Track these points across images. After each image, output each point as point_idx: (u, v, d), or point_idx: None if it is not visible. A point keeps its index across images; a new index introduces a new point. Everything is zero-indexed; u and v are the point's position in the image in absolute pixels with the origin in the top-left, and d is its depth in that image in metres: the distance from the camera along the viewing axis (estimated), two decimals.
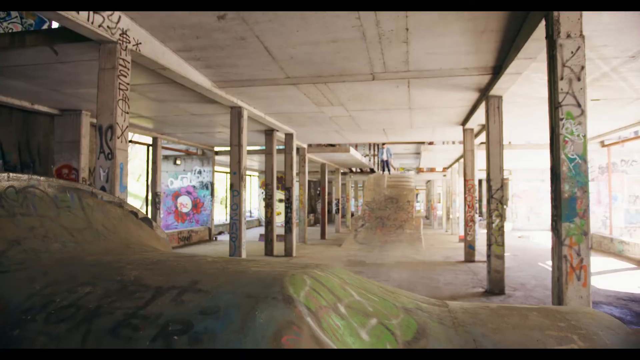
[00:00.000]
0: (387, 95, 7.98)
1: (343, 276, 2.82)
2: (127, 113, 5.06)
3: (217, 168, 18.36)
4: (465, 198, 11.11)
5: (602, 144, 13.73)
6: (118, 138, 4.92)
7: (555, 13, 3.91)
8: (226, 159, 17.24)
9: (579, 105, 3.84)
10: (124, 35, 5.00)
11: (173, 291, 2.02)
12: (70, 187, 3.35)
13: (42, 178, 3.14)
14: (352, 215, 27.05)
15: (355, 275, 3.07)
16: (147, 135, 13.23)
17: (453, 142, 16.91)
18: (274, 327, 1.75)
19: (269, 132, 11.54)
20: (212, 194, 16.80)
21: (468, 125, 10.37)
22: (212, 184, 16.80)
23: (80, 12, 4.34)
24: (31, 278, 2.23)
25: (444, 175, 23.66)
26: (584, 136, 3.83)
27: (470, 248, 10.84)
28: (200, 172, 16.83)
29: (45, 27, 9.27)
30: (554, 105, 3.92)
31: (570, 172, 3.83)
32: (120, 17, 4.90)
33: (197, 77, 6.75)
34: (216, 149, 16.90)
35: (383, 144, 23.48)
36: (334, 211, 24.83)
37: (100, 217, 3.49)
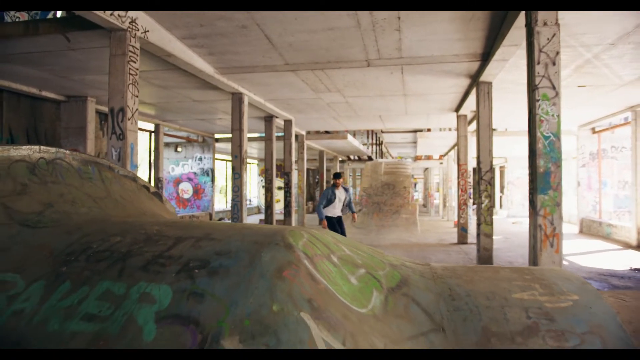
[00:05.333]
0: (382, 82, 8.32)
1: (337, 237, 3.19)
2: (137, 97, 5.41)
3: (217, 155, 18.69)
4: (458, 182, 11.50)
5: (593, 131, 14.08)
6: (129, 120, 5.27)
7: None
8: (226, 146, 17.57)
9: (554, 88, 4.19)
10: (133, 24, 5.32)
11: (191, 239, 2.39)
12: (90, 161, 3.71)
13: (67, 151, 3.49)
14: None
15: (347, 238, 3.44)
16: (149, 122, 13.54)
17: (450, 129, 17.24)
18: (276, 264, 2.12)
19: (269, 119, 11.87)
20: (212, 181, 17.16)
21: (461, 112, 10.72)
22: (212, 170, 17.15)
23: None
24: (68, 232, 2.60)
25: (441, 163, 24.05)
26: (558, 116, 4.19)
27: (462, 230, 11.25)
28: (201, 159, 17.17)
29: (50, 15, 9.55)
30: (531, 87, 4.28)
31: (545, 148, 4.20)
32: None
33: (201, 64, 7.08)
34: (216, 136, 17.22)
35: (380, 139, 23.80)
36: None
37: (118, 189, 3.85)
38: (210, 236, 2.44)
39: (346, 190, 8.12)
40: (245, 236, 2.45)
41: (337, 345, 1.85)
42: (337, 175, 8.11)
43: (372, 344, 2.06)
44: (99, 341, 1.73)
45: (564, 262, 8.57)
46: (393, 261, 3.19)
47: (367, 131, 24.16)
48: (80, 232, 2.57)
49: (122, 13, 5.12)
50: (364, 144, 24.54)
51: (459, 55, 6.72)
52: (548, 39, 4.22)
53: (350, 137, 16.81)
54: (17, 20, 9.16)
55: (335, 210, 8.01)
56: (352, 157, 25.53)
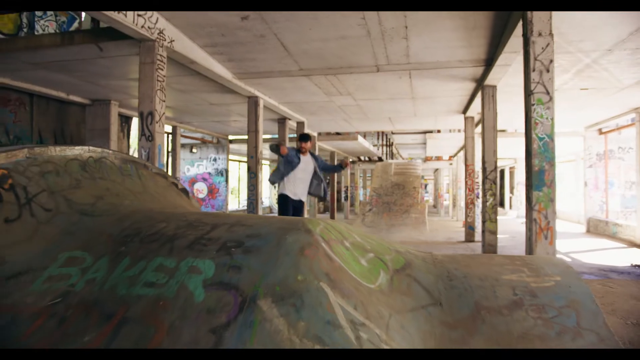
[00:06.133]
0: (391, 86, 8.71)
1: (349, 227, 3.60)
2: (164, 101, 5.88)
3: (230, 156, 19.19)
4: (466, 182, 11.83)
5: (600, 132, 14.32)
6: (157, 123, 5.74)
7: (529, 14, 4.62)
8: (239, 147, 18.05)
9: (548, 93, 4.57)
10: (161, 34, 5.79)
11: (225, 225, 2.82)
12: (129, 160, 4.17)
13: (110, 151, 3.95)
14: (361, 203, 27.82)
15: (358, 229, 3.85)
16: (167, 124, 14.08)
17: (459, 130, 17.55)
18: (299, 245, 2.54)
19: (282, 121, 12.32)
20: (226, 181, 17.66)
21: (469, 114, 11.06)
22: (226, 171, 17.65)
23: (127, 15, 5.14)
24: (119, 219, 3.04)
25: (450, 164, 24.32)
26: (552, 119, 4.56)
27: (470, 229, 11.58)
28: (215, 160, 17.68)
29: (75, 25, 10.11)
30: (527, 92, 4.65)
31: (539, 149, 4.57)
32: (157, 18, 5.68)
33: (220, 70, 7.54)
34: (230, 137, 17.72)
35: (389, 138, 24.14)
36: (343, 199, 25.64)
37: (152, 185, 4.31)
38: (241, 223, 2.87)
39: (316, 159, 6.23)
40: (271, 223, 2.88)
41: (350, 308, 2.26)
42: (304, 137, 6.15)
43: (379, 312, 2.47)
44: (159, 301, 2.16)
45: (567, 259, 8.89)
46: (399, 248, 3.60)
47: (378, 132, 24.53)
48: (130, 219, 3.01)
49: (151, 25, 5.59)
50: (375, 145, 24.89)
51: (463, 61, 7.10)
52: (542, 48, 4.59)
53: (360, 138, 17.20)
54: (45, 29, 9.73)
55: (295, 186, 5.95)
56: (362, 158, 25.90)
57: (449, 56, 6.92)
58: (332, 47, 6.59)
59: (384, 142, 26.91)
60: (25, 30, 9.29)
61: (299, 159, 5.95)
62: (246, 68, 7.77)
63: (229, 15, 5.65)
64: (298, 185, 5.95)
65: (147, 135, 5.71)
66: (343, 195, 24.92)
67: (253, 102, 9.33)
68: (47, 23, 9.75)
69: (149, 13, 5.53)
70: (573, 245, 11.17)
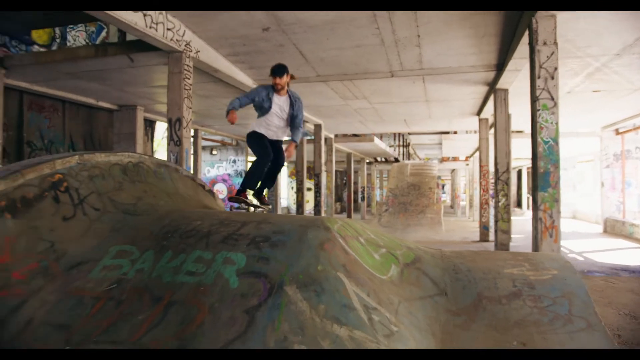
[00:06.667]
0: (405, 90, 9.00)
1: (364, 225, 3.93)
2: (190, 108, 6.29)
3: (249, 158, 19.64)
4: (480, 182, 12.03)
5: (617, 132, 14.33)
6: (184, 128, 6.15)
7: (535, 25, 4.89)
8: None
9: (552, 99, 4.82)
10: (188, 46, 6.20)
11: (253, 223, 3.17)
12: (162, 164, 4.56)
13: (146, 156, 4.36)
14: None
15: (374, 227, 4.18)
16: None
17: (475, 132, 17.70)
18: (318, 240, 2.89)
19: None
20: None
21: (482, 115, 11.27)
22: (245, 172, 18.11)
23: (158, 29, 5.56)
24: (159, 218, 3.43)
25: (467, 164, 24.40)
26: (556, 123, 4.82)
27: (484, 229, 11.78)
28: (234, 161, 18.15)
29: (102, 35, 10.62)
30: (533, 98, 4.92)
31: (545, 152, 4.83)
32: (185, 31, 6.10)
33: (242, 77, 7.94)
34: None
35: (405, 134, 24.32)
36: (359, 200, 25.91)
37: (182, 186, 4.70)
38: (267, 221, 3.23)
39: (295, 101, 4.79)
40: (294, 221, 3.23)
41: (363, 295, 2.59)
42: (279, 70, 4.60)
43: (390, 299, 2.80)
44: (200, 287, 2.52)
45: (580, 258, 9.05)
46: (410, 245, 3.92)
47: (394, 133, 24.75)
48: (169, 218, 3.39)
49: (179, 37, 6.00)
50: (391, 146, 25.10)
51: (475, 66, 7.36)
52: (547, 56, 4.85)
53: (376, 139, 17.48)
54: (76, 39, 10.26)
55: (269, 130, 4.79)
56: (379, 158, 26.14)
57: (461, 62, 7.19)
58: (347, 55, 6.92)
59: (401, 143, 27.09)
60: (58, 40, 9.84)
61: (271, 102, 4.63)
62: (266, 74, 8.10)
63: (251, 27, 6.03)
64: (272, 130, 4.80)
65: (175, 140, 6.12)
66: (360, 195, 25.20)
67: None
68: (77, 33, 10.30)
69: (177, 26, 5.94)
70: (588, 245, 11.28)
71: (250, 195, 5.04)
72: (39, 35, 9.11)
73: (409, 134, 25.05)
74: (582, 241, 12.37)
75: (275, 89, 4.70)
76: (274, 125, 4.83)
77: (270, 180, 5.10)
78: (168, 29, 5.76)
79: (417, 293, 3.10)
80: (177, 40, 5.95)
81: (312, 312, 2.31)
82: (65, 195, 3.24)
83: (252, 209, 4.96)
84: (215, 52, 6.90)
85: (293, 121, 4.85)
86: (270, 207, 5.31)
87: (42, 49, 9.03)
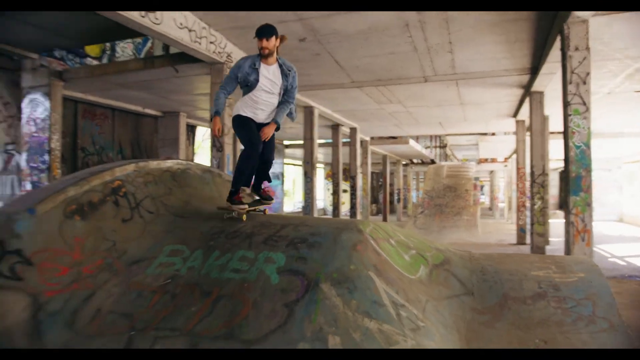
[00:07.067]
0: (439, 94, 9.11)
1: (395, 228, 4.14)
2: (231, 116, 6.64)
3: (285, 160, 20.07)
4: (517, 185, 11.93)
5: None
6: (225, 135, 6.52)
7: (566, 30, 4.95)
8: (293, 151, 18.87)
9: (584, 104, 4.87)
10: (229, 57, 6.57)
11: (291, 226, 3.44)
12: (207, 170, 4.91)
13: (193, 163, 4.72)
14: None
15: (405, 229, 4.37)
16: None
17: (513, 133, 17.45)
18: (352, 241, 3.13)
19: (335, 127, 12.94)
20: (282, 184, 18.53)
21: (519, 117, 11.19)
22: (282, 174, 18.53)
23: (202, 42, 5.94)
24: (205, 220, 3.76)
25: (505, 166, 24.00)
26: (588, 128, 4.87)
27: (521, 231, 11.67)
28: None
29: (148, 45, 11.21)
30: (565, 103, 4.98)
31: (576, 156, 4.89)
32: (226, 44, 6.47)
33: None
34: (285, 142, 18.58)
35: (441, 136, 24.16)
36: (395, 201, 25.94)
37: (225, 191, 5.02)
38: (304, 223, 3.49)
39: (289, 70, 3.91)
40: (329, 224, 3.48)
41: (392, 292, 2.81)
42: (266, 31, 3.71)
43: (418, 297, 3.01)
44: (244, 283, 2.81)
45: (622, 263, 8.88)
46: (439, 247, 4.09)
47: (431, 135, 24.62)
48: (215, 220, 3.71)
49: (220, 50, 6.38)
50: (427, 147, 24.98)
51: (508, 70, 7.41)
52: (579, 62, 4.90)
53: (412, 142, 17.53)
54: (124, 50, 10.90)
55: (256, 109, 3.90)
56: (415, 160, 26.08)
57: (494, 66, 7.25)
58: (381, 62, 7.12)
59: (437, 144, 26.92)
60: (108, 52, 10.49)
61: (257, 73, 3.73)
62: (302, 82, 8.42)
63: (288, 39, 6.31)
64: (260, 108, 3.88)
65: (217, 146, 6.50)
66: (395, 197, 25.22)
67: (309, 111, 10.02)
68: (125, 45, 10.93)
69: (219, 39, 6.32)
70: (633, 249, 10.99)
71: (246, 193, 4.36)
72: (92, 49, 9.76)
73: (446, 135, 24.86)
74: (627, 245, 12.03)
75: (262, 55, 3.72)
76: (262, 103, 3.85)
77: (264, 177, 4.22)
78: (211, 42, 6.14)
79: (444, 292, 3.29)
80: (219, 52, 6.32)
81: (345, 307, 2.55)
82: (124, 200, 3.61)
83: (245, 216, 3.79)
84: None
85: (286, 94, 3.93)
86: (273, 201, 4.26)
87: (94, 62, 9.68)
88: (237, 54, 6.76)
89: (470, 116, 11.76)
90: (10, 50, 7.29)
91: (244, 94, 3.92)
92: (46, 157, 7.68)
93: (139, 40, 11.29)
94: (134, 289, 2.92)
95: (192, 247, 3.32)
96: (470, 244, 12.09)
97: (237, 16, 5.73)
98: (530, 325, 2.99)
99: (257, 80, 3.77)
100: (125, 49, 11.05)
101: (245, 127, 3.90)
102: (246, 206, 3.84)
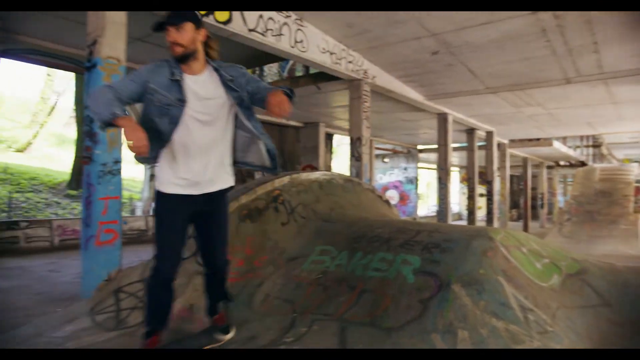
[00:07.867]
0: (585, 94, 8.56)
1: (529, 237, 4.24)
2: (369, 127, 7.20)
3: (419, 164, 20.14)
4: None
5: None
6: (363, 145, 7.09)
7: None
8: (427, 155, 18.87)
9: None
10: (365, 73, 7.13)
11: (426, 231, 3.82)
12: (348, 179, 5.50)
13: (336, 173, 5.35)
14: None
15: (539, 238, 4.43)
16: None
17: None
18: (482, 248, 3.39)
19: (470, 131, 12.77)
20: (416, 188, 18.67)
21: None
22: (416, 179, 18.67)
23: (341, 64, 6.58)
24: (349, 225, 4.31)
25: None
26: None
27: None
28: (405, 169, 18.87)
29: (289, 66, 12.34)
30: None
31: None
32: (363, 61, 7.04)
33: (413, 94, 8.62)
34: (419, 147, 18.69)
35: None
36: (538, 206, 24.16)
37: (364, 198, 5.57)
38: (438, 230, 3.84)
39: (224, 73, 2.40)
40: (461, 231, 3.78)
41: (521, 297, 3.02)
42: (173, 17, 2.21)
43: (547, 304, 3.16)
44: (384, 281, 3.27)
45: None
46: (576, 257, 4.10)
47: (580, 135, 22.46)
48: (357, 225, 4.25)
49: (358, 68, 6.97)
50: (577, 147, 22.81)
51: None
52: None
53: (556, 143, 16.34)
54: (270, 69, 12.16)
55: (190, 162, 2.37)
56: (561, 162, 24.03)
57: None
58: (516, 67, 7.04)
59: (589, 143, 24.40)
60: (257, 72, 11.86)
61: (181, 89, 2.30)
62: (435, 90, 8.67)
63: (421, 52, 6.67)
64: (197, 163, 2.40)
65: (356, 156, 7.10)
66: (539, 202, 23.53)
67: (442, 118, 10.15)
68: (272, 65, 12.24)
69: (357, 58, 6.91)
70: None
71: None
72: None
73: (600, 134, 22.43)
74: None
75: (179, 60, 2.30)
76: (198, 148, 2.38)
77: (219, 294, 2.85)
78: (349, 62, 6.77)
79: (577, 302, 3.36)
80: (356, 70, 6.92)
81: (474, 306, 2.86)
82: (282, 206, 4.34)
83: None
84: (389, 76, 7.71)
85: (254, 96, 2.42)
86: (230, 336, 2.81)
87: None
88: (373, 70, 7.29)
89: (627, 114, 10.68)
90: None
91: (156, 146, 2.30)
92: None
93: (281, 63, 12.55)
94: (293, 280, 3.58)
95: (338, 248, 3.89)
96: (628, 256, 10.95)
97: (375, 36, 6.23)
98: None
99: (182, 102, 2.29)
100: (271, 68, 12.38)
101: (164, 222, 2.43)
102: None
